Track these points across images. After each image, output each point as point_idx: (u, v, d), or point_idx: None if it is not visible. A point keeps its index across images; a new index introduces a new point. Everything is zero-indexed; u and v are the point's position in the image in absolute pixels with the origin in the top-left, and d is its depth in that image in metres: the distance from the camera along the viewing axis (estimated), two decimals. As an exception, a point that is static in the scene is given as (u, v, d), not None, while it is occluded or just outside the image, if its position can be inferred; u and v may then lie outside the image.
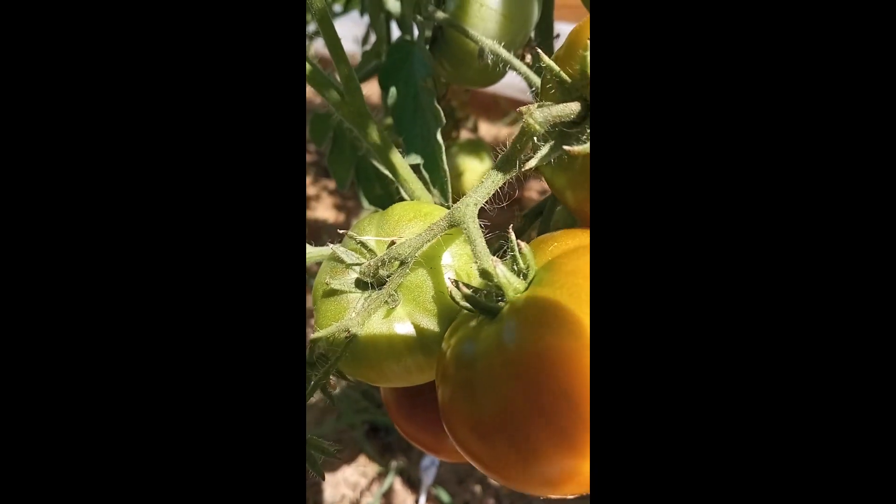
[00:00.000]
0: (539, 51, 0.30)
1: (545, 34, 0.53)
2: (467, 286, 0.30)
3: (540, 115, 0.28)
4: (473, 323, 0.30)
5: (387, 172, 0.53)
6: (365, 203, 0.60)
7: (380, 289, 0.35)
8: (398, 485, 1.19)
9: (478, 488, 1.17)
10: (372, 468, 1.23)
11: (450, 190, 0.48)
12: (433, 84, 0.49)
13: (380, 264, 0.33)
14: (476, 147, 1.24)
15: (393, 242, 0.34)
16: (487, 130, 1.93)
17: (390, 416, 0.49)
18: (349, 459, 1.26)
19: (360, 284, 0.36)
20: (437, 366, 0.32)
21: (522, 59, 0.50)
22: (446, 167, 0.47)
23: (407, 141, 0.52)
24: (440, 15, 0.48)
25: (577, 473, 0.28)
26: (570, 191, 0.32)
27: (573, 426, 0.26)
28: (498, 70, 0.48)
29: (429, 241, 0.32)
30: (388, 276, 0.34)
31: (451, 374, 0.30)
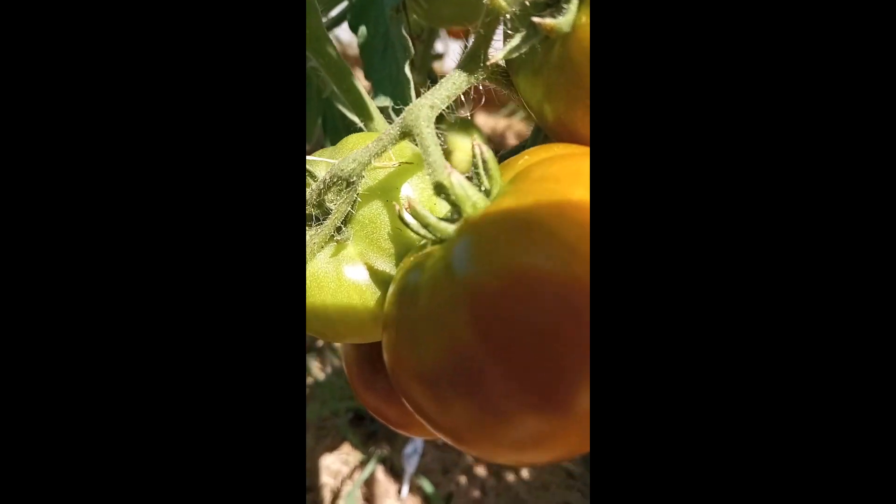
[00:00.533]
0: None
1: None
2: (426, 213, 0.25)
3: (506, -9, 0.23)
4: (426, 251, 0.25)
5: (353, 118, 0.48)
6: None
7: (325, 220, 0.30)
8: (380, 473, 1.14)
9: (463, 479, 1.11)
10: (355, 456, 1.19)
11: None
12: (403, 13, 0.44)
13: (322, 188, 0.28)
14: (467, 126, 1.20)
15: None
16: (485, 122, 1.88)
17: (351, 386, 0.43)
18: (332, 447, 1.21)
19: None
20: (384, 308, 0.26)
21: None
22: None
23: (376, 83, 0.47)
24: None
25: (552, 436, 0.22)
26: (547, 103, 0.27)
27: (540, 372, 0.21)
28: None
29: (377, 153, 0.26)
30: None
31: (394, 314, 0.24)
